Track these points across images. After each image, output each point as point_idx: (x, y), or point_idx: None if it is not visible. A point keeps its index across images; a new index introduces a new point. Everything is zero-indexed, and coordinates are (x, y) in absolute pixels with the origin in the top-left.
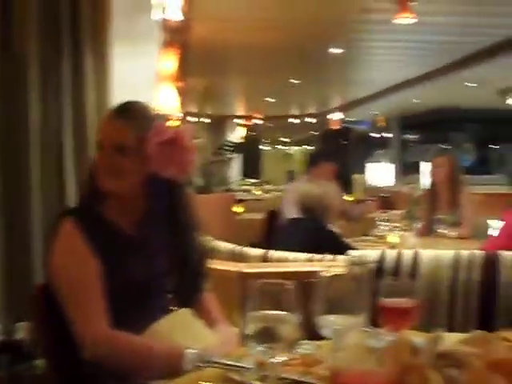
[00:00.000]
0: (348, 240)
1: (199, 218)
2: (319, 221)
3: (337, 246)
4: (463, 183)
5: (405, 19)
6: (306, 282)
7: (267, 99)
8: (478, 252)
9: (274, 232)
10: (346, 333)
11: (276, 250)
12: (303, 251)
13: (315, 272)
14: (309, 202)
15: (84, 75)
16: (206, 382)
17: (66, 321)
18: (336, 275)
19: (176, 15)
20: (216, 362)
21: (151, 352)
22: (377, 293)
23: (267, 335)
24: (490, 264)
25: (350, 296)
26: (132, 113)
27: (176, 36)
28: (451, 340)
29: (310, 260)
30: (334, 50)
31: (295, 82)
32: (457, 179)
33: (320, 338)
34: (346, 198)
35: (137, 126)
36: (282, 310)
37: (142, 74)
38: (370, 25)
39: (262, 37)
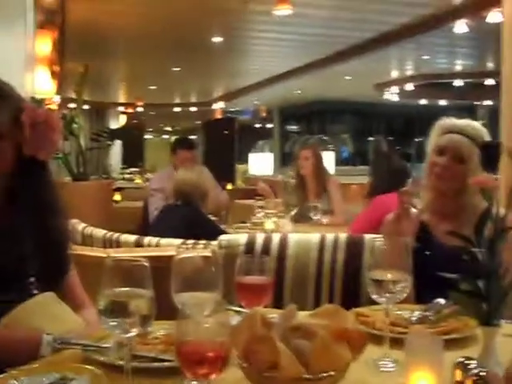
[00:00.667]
0: (224, 226)
1: (65, 201)
2: (195, 207)
3: (212, 233)
4: (327, 172)
5: (283, 10)
6: (164, 265)
7: (150, 87)
8: (342, 235)
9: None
10: (201, 308)
11: (153, 236)
12: (181, 237)
13: (172, 256)
14: (185, 189)
15: None
16: (65, 364)
17: None
18: (192, 256)
19: None
20: (75, 344)
21: (7, 339)
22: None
23: (119, 310)
24: (354, 246)
25: (205, 275)
26: (3, 93)
27: (51, 17)
28: (304, 315)
29: (183, 245)
30: (215, 39)
31: (178, 70)
32: (322, 169)
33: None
34: (228, 186)
35: (8, 109)
36: (136, 287)
37: (12, 56)
38: (251, 15)
39: (143, 23)
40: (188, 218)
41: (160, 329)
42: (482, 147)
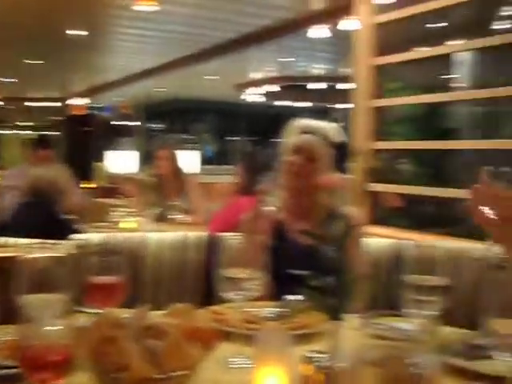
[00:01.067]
0: (82, 225)
1: None
2: (50, 205)
3: (68, 232)
4: (184, 172)
5: (147, 6)
6: (6, 266)
7: (6, 80)
8: (200, 234)
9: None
10: (47, 310)
11: (6, 235)
12: (35, 236)
13: (16, 257)
14: (40, 186)
15: None
16: None
17: None
18: (39, 257)
19: None
20: None
21: None
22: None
23: None
24: (212, 245)
25: (54, 276)
26: None
27: None
28: (157, 315)
29: (29, 245)
30: (75, 32)
31: (37, 63)
32: (179, 169)
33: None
34: (85, 184)
35: None
36: None
37: None
38: (115, 9)
39: None
40: (43, 216)
41: (5, 334)
42: (334, 148)
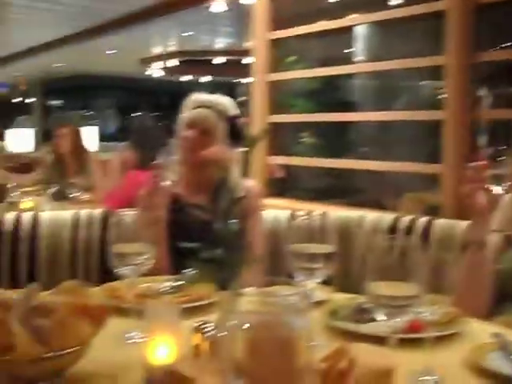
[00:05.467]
0: None
1: None
2: None
3: None
4: (86, 149)
5: None
6: None
7: None
8: (96, 211)
9: None
10: None
11: None
12: None
13: None
14: None
15: None
16: None
17: None
18: None
19: None
20: None
21: None
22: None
23: None
24: (108, 221)
25: None
26: None
27: None
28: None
29: None
30: None
31: None
32: (81, 147)
33: None
34: None
35: None
36: None
37: None
38: None
39: None
40: None
41: None
42: (227, 122)
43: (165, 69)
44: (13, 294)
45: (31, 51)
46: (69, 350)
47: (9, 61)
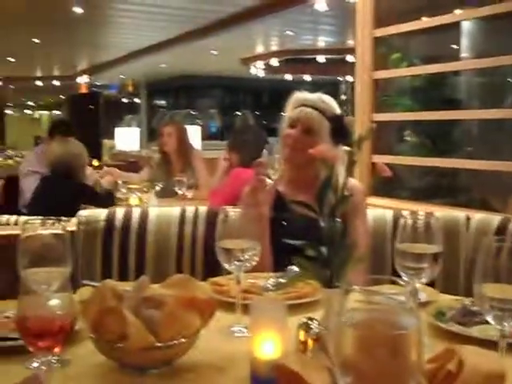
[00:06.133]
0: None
1: None
2: (78, 180)
3: (96, 200)
4: (192, 148)
5: None
6: (10, 242)
7: (9, 59)
8: (202, 208)
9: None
10: (47, 283)
11: (35, 212)
12: (64, 210)
13: (19, 234)
14: (65, 161)
15: None
16: None
17: None
18: (41, 234)
19: None
20: None
21: None
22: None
23: None
24: (213, 218)
25: (54, 252)
26: None
27: None
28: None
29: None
30: (76, 10)
31: (38, 41)
32: (185, 145)
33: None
34: (94, 162)
35: None
36: None
37: None
38: None
39: None
40: (73, 190)
41: (11, 308)
42: (330, 120)
43: (266, 68)
44: (124, 286)
45: (139, 53)
46: (178, 341)
47: (118, 63)
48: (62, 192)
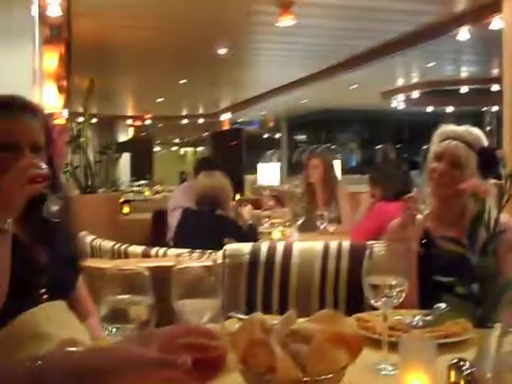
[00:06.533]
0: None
1: (77, 215)
2: (223, 213)
3: (240, 234)
4: (337, 181)
5: (286, 21)
6: (165, 274)
7: (157, 100)
8: (345, 242)
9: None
10: (199, 315)
11: (180, 244)
12: (208, 242)
13: (173, 265)
14: (211, 194)
15: None
16: None
17: None
18: (192, 266)
19: (55, 11)
20: None
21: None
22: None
23: (119, 317)
24: (356, 253)
25: (205, 284)
26: (34, 109)
27: (57, 32)
28: (303, 321)
29: (183, 255)
30: (221, 51)
31: (184, 82)
32: (331, 178)
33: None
34: (237, 197)
35: (42, 123)
36: (136, 295)
37: (19, 72)
38: (255, 26)
39: (148, 36)
40: (217, 223)
41: None
42: (479, 153)
43: (407, 100)
44: (271, 319)
45: (280, 90)
46: (325, 376)
47: (259, 100)
48: (205, 225)
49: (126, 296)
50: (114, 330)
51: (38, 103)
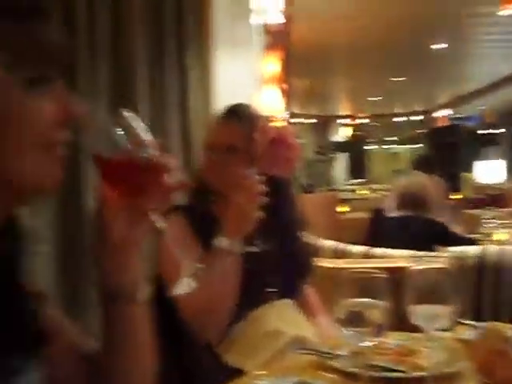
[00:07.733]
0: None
1: (303, 215)
2: (428, 214)
3: (449, 239)
4: None
5: (507, 10)
6: (398, 276)
7: (371, 98)
8: None
9: (379, 230)
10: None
11: (386, 247)
12: (415, 247)
13: (406, 267)
14: (416, 197)
15: (188, 78)
16: (302, 368)
17: None
18: (427, 268)
19: (277, 18)
20: (311, 350)
21: None
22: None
23: (355, 320)
24: None
25: (439, 287)
26: (241, 114)
27: (278, 38)
28: None
29: (413, 256)
30: (437, 46)
31: (399, 79)
32: None
33: (411, 328)
34: (454, 196)
35: (246, 127)
36: (371, 298)
37: (243, 77)
38: (474, 18)
39: (363, 35)
40: (422, 225)
41: (392, 339)
42: None
43: None
44: (509, 328)
45: (500, 83)
46: None
47: (478, 94)
48: (410, 228)
49: (363, 300)
50: (349, 332)
51: (253, 108)
